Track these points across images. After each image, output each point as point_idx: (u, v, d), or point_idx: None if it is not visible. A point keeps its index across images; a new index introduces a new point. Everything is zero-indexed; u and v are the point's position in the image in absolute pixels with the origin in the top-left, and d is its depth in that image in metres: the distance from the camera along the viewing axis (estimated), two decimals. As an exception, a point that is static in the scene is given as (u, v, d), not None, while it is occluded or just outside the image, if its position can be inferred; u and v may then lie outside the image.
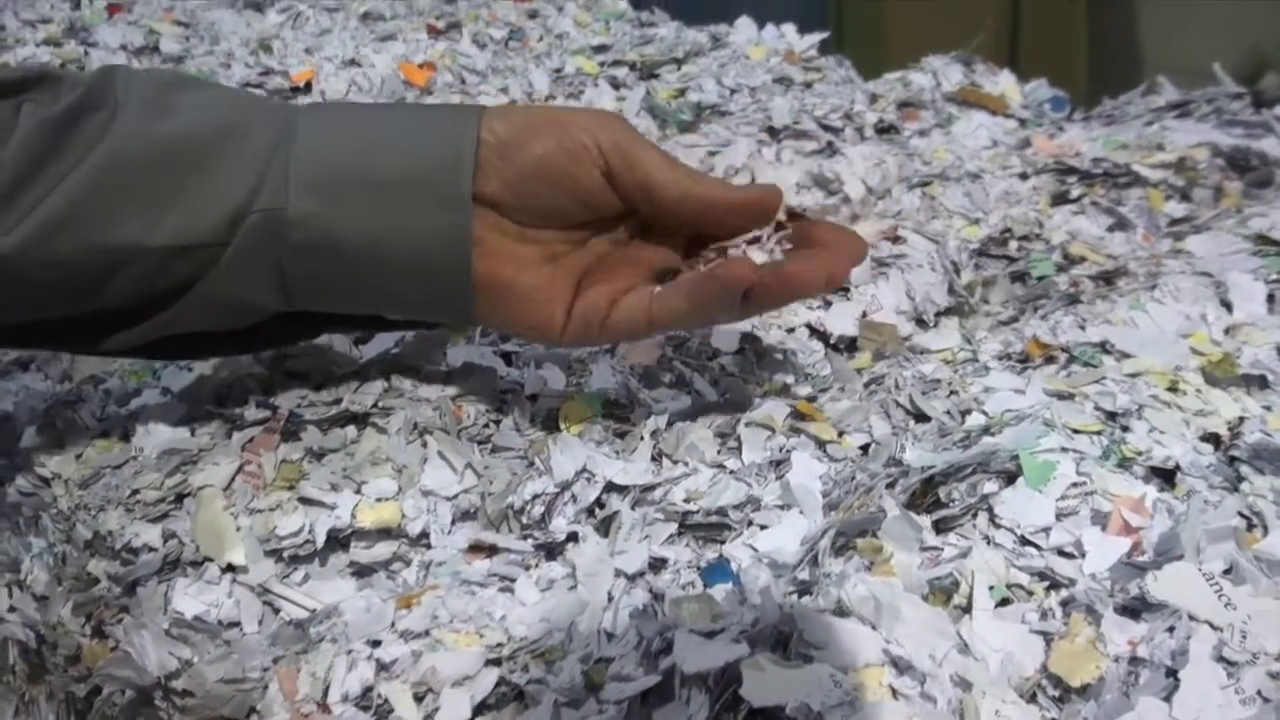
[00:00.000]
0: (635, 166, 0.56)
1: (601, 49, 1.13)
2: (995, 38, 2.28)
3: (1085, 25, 2.48)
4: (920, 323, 0.71)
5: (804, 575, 0.48)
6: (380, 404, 0.61)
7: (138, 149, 0.54)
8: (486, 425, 0.61)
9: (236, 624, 0.54)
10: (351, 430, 0.60)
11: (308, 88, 1.06)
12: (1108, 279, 0.71)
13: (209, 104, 0.56)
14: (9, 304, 0.56)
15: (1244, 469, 0.52)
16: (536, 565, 0.54)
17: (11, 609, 0.64)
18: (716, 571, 0.51)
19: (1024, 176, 0.85)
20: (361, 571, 0.56)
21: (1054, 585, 0.46)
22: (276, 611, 0.54)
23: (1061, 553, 0.47)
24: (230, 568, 0.55)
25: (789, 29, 1.15)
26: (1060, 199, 0.82)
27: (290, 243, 0.55)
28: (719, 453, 0.58)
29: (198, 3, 1.33)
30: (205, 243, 0.55)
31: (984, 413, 0.56)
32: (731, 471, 0.56)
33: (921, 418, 0.58)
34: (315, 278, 0.56)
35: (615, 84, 1.05)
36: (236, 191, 0.54)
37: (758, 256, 0.56)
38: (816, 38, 1.14)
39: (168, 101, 0.55)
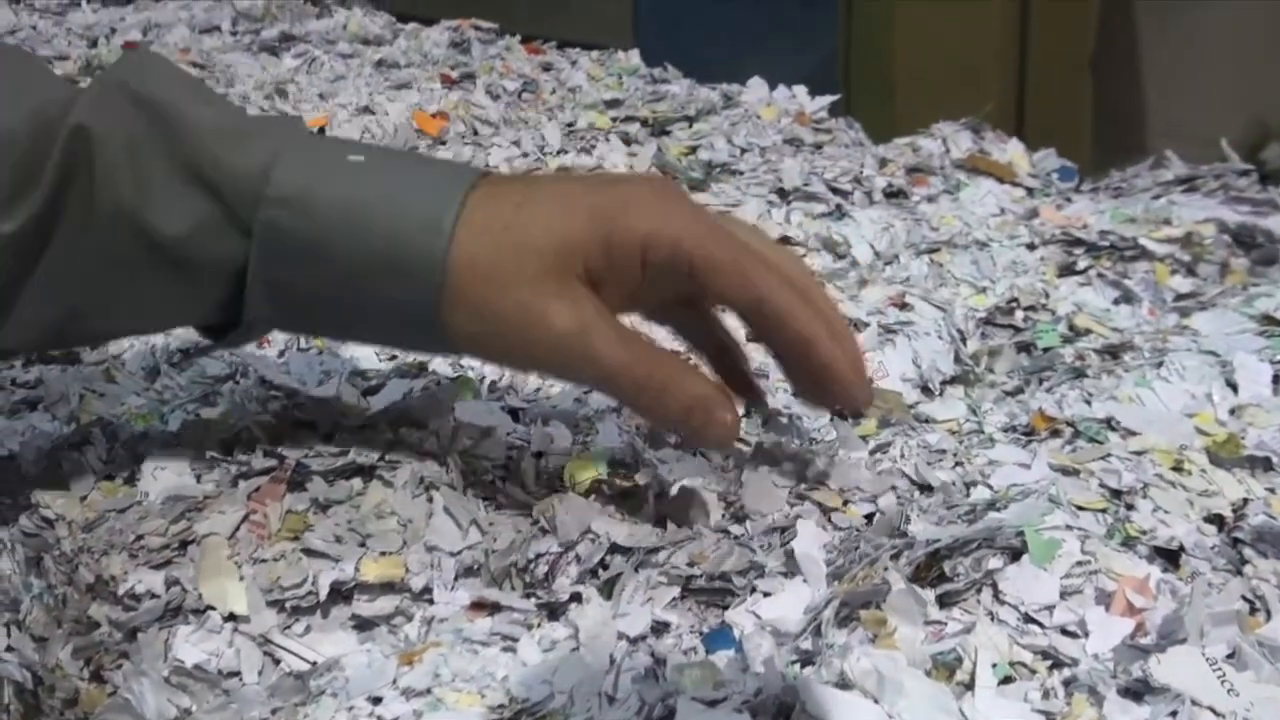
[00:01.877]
0: (706, 271, 0.53)
1: (614, 104, 1.14)
2: (1001, 102, 2.30)
3: (1091, 92, 2.49)
4: (926, 390, 0.71)
5: (807, 645, 0.48)
6: (387, 457, 0.61)
7: (124, 256, 0.55)
8: (492, 481, 0.61)
9: (236, 674, 0.54)
10: (357, 482, 0.60)
11: (321, 133, 1.07)
12: (1113, 353, 0.71)
13: (185, 191, 0.55)
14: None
15: (1247, 551, 0.52)
16: (539, 625, 0.54)
17: (9, 649, 0.64)
18: (719, 638, 0.51)
19: (1031, 247, 0.85)
20: (363, 625, 0.56)
21: (1057, 664, 0.46)
22: (277, 662, 0.54)
23: (1065, 631, 0.47)
24: (232, 617, 0.55)
25: (800, 90, 1.16)
26: (1067, 270, 0.83)
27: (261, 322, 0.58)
28: (723, 517, 0.58)
29: (214, 45, 1.34)
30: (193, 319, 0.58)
31: (989, 486, 0.56)
32: (735, 537, 0.57)
33: (926, 488, 0.59)
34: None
35: (627, 140, 1.05)
36: (220, 286, 0.56)
37: None
38: (827, 100, 1.14)
39: (142, 174, 0.55)
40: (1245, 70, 2.36)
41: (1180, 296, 0.80)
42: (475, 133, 1.09)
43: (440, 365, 0.70)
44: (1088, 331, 0.75)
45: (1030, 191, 0.98)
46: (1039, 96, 2.39)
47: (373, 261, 0.54)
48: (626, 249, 0.53)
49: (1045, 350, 0.74)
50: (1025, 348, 0.75)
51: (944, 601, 0.49)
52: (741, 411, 0.58)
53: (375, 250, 0.54)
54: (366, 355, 0.71)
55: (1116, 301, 0.79)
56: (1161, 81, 2.54)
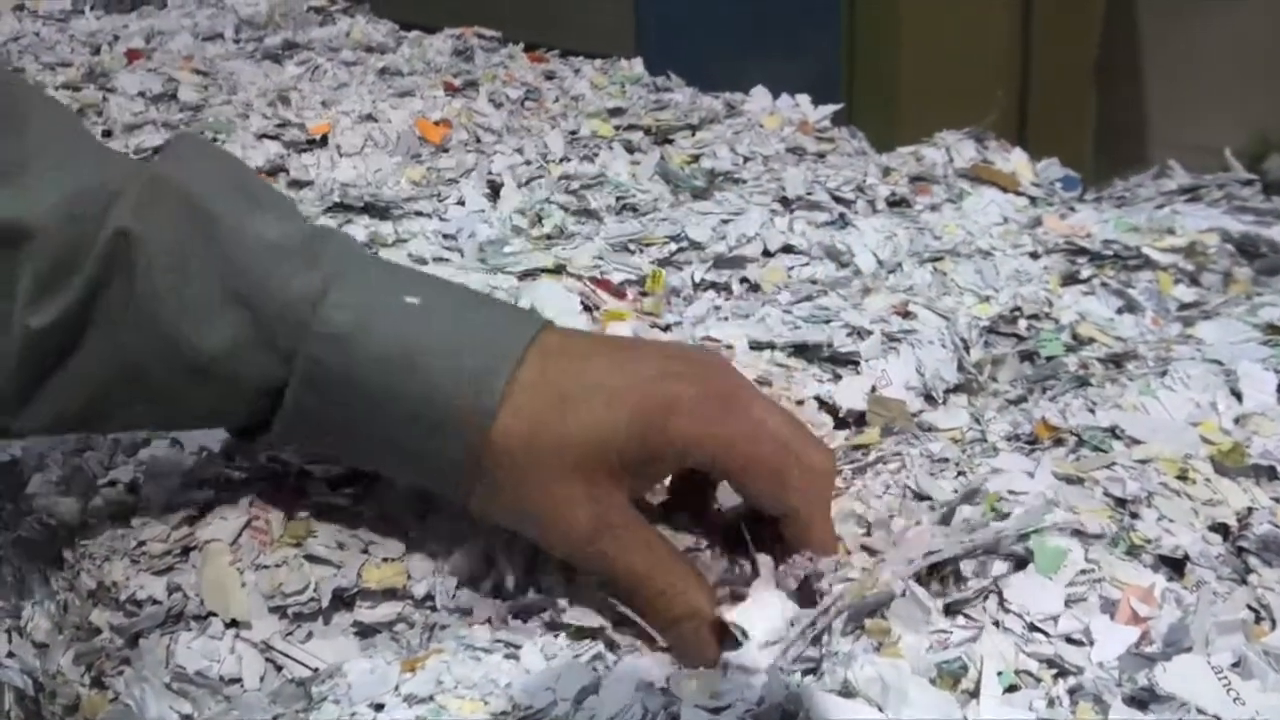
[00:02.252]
0: (755, 483, 0.53)
1: (617, 112, 1.13)
2: (1004, 112, 2.30)
3: (1094, 102, 2.50)
4: (929, 399, 0.71)
5: (810, 653, 0.48)
6: (389, 463, 0.61)
7: (153, 364, 0.54)
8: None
9: (238, 680, 0.54)
10: (359, 489, 0.60)
11: (324, 140, 1.07)
12: (1117, 362, 0.71)
13: (224, 311, 0.54)
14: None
15: (1252, 560, 0.52)
16: (542, 632, 0.54)
17: (10, 655, 0.64)
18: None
19: (1035, 256, 0.85)
20: (365, 632, 0.56)
21: (1062, 673, 0.46)
22: (279, 669, 0.54)
23: (1070, 640, 0.47)
24: (234, 623, 0.55)
25: (804, 99, 1.16)
26: (1070, 279, 0.83)
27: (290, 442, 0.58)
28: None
29: (216, 52, 1.34)
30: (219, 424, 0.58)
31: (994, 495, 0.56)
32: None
33: (924, 498, 0.59)
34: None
35: (630, 148, 1.05)
36: (248, 402, 0.55)
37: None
38: (830, 109, 1.14)
39: (184, 287, 0.53)
40: (1247, 81, 2.36)
41: (1184, 306, 0.79)
42: (478, 140, 1.09)
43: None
44: (1091, 340, 0.75)
45: (1033, 201, 0.98)
46: (1042, 106, 2.39)
47: (413, 416, 0.53)
48: (665, 456, 0.53)
49: (1049, 359, 0.74)
50: (1028, 356, 0.75)
51: (949, 610, 0.49)
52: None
53: (417, 406, 0.53)
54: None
55: (1120, 311, 0.79)
56: (1164, 92, 2.54)
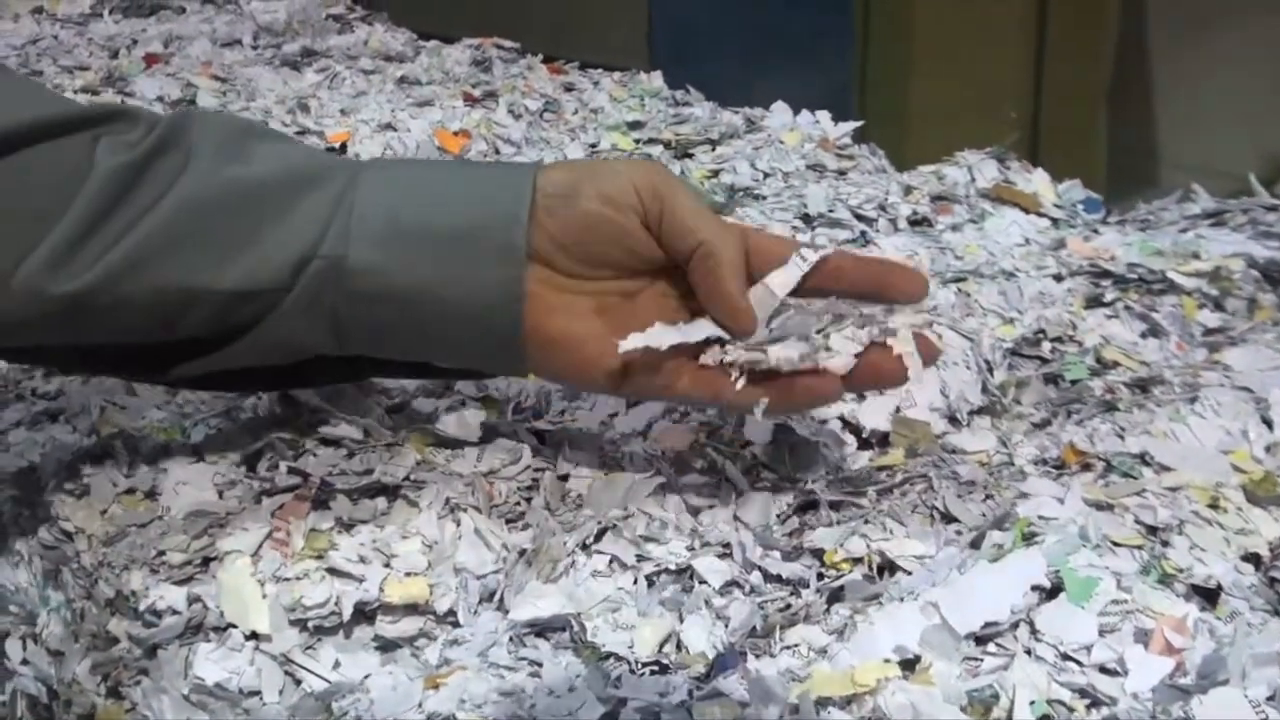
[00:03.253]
0: (670, 213, 0.57)
1: (636, 125, 1.13)
2: (1016, 130, 2.29)
3: (1107, 124, 2.49)
4: (954, 421, 0.70)
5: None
6: (412, 477, 0.61)
7: (211, 195, 0.56)
8: (518, 503, 0.61)
9: (257, 693, 0.54)
10: (382, 502, 0.60)
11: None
12: (1143, 386, 0.71)
13: (280, 154, 0.57)
14: (75, 336, 0.57)
15: (1285, 591, 0.52)
16: (564, 650, 0.53)
17: (25, 662, 0.64)
18: (725, 661, 0.51)
19: (1058, 278, 0.85)
20: (386, 646, 0.55)
21: (1095, 703, 0.46)
22: (298, 683, 0.54)
23: (1104, 670, 0.47)
24: (254, 635, 0.55)
25: (824, 116, 1.15)
26: (1094, 302, 0.82)
27: (349, 290, 0.56)
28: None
29: (235, 58, 1.34)
30: (270, 288, 0.56)
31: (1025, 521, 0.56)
32: (763, 569, 0.56)
33: (953, 520, 0.58)
34: (371, 324, 0.57)
35: (650, 162, 1.05)
36: (303, 238, 0.56)
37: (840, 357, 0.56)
38: (850, 126, 1.14)
39: (242, 148, 0.57)
40: (1259, 104, 2.36)
41: (1209, 331, 0.79)
42: (497, 151, 1.09)
43: (465, 385, 0.70)
44: (1115, 364, 0.74)
45: (1055, 222, 0.97)
46: (1055, 127, 2.39)
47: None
48: (666, 200, 0.57)
49: (1073, 382, 0.73)
50: (1052, 379, 0.74)
51: (980, 638, 0.49)
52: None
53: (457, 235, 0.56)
54: (391, 373, 0.70)
55: (1144, 335, 0.79)
56: (1175, 113, 2.53)
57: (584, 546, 0.58)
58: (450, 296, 0.56)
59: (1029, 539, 0.54)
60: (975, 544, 0.55)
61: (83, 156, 0.55)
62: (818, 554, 0.57)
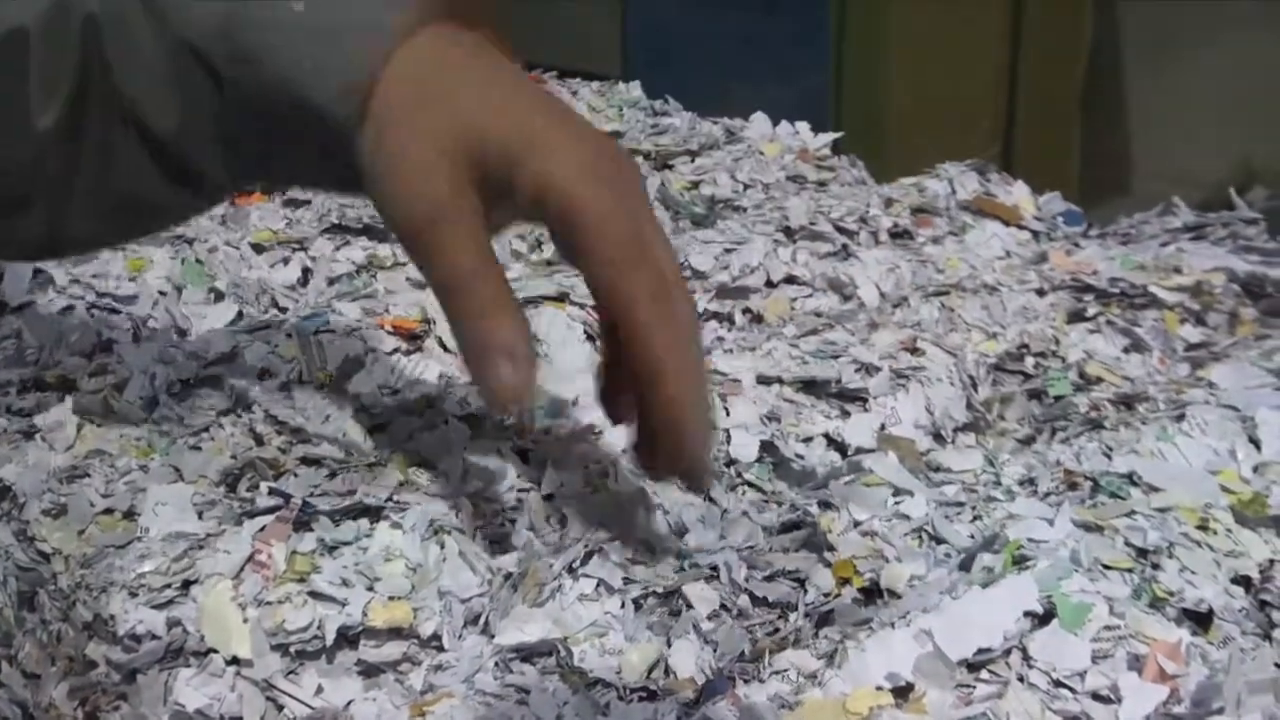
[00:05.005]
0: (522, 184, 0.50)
1: (615, 135, 1.12)
2: (990, 140, 2.30)
3: (1080, 133, 2.50)
4: (938, 438, 0.70)
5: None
6: (395, 498, 0.60)
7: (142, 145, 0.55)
8: (501, 524, 0.60)
9: (239, 719, 0.53)
10: (365, 523, 0.59)
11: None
12: (1127, 403, 0.71)
13: (175, 71, 0.54)
14: None
15: (1276, 615, 0.52)
16: (553, 675, 0.52)
17: (0, 684, 0.63)
18: (713, 688, 0.50)
19: (1041, 292, 0.84)
20: (369, 671, 0.55)
21: (1090, 731, 0.45)
22: (280, 709, 0.53)
23: (1097, 697, 0.46)
24: (235, 660, 0.54)
25: (803, 127, 1.15)
26: (1076, 317, 0.82)
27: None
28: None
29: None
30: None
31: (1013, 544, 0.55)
32: (751, 593, 0.56)
33: (942, 541, 0.58)
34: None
35: (629, 173, 1.04)
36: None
37: None
38: (830, 137, 1.14)
39: (151, 73, 0.54)
40: (1231, 113, 2.37)
41: (1191, 346, 0.79)
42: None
43: (448, 404, 0.69)
44: (1099, 380, 0.74)
45: (1035, 235, 0.97)
46: (1028, 137, 2.39)
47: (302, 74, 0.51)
48: (525, 185, 0.50)
49: (1057, 399, 0.73)
50: (1036, 395, 0.74)
51: (973, 665, 0.48)
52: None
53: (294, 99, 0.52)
54: (372, 392, 0.70)
55: (1126, 350, 0.79)
56: (1148, 123, 2.54)
57: (570, 569, 0.57)
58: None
59: (1019, 562, 0.53)
60: (965, 566, 0.54)
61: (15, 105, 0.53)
62: (805, 577, 0.57)
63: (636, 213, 0.51)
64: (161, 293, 0.83)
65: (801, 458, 0.66)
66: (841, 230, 0.93)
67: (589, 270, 0.51)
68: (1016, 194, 1.02)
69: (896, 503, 0.60)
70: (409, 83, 0.51)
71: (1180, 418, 0.65)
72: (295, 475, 0.62)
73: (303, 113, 0.51)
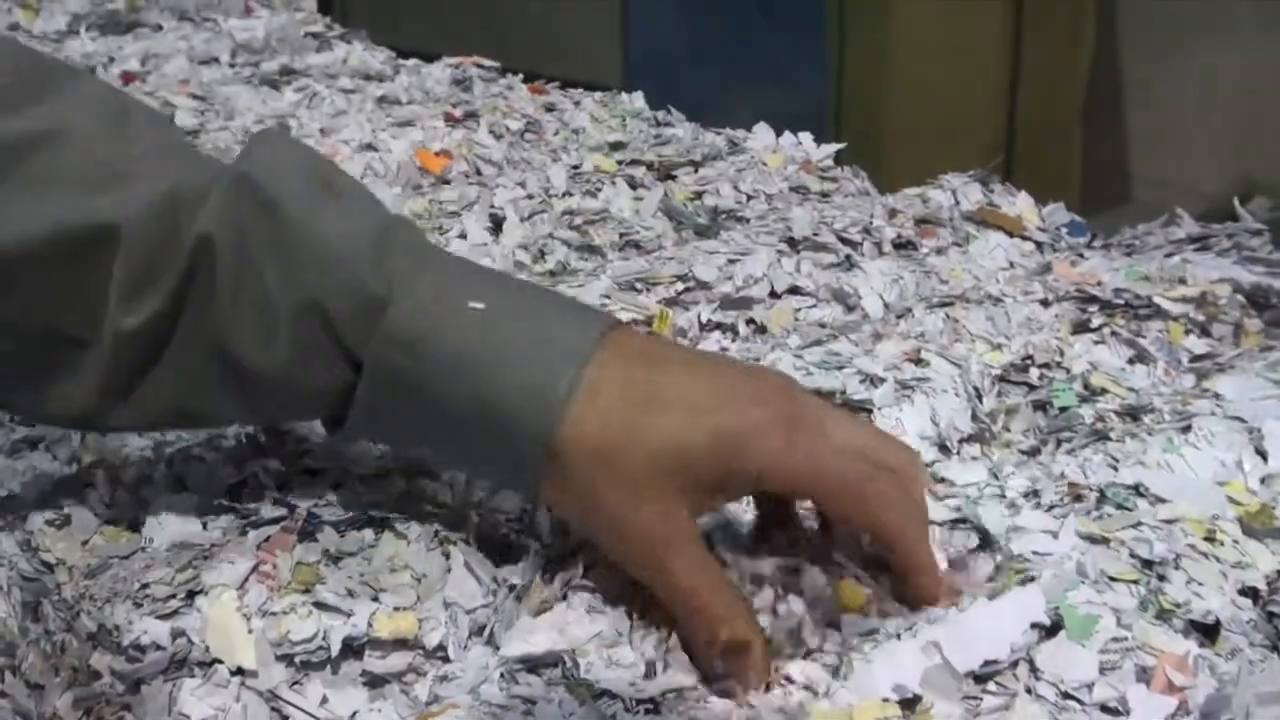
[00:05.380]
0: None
1: (618, 146, 1.13)
2: (992, 151, 2.30)
3: (1080, 143, 2.51)
4: (944, 449, 0.70)
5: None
6: (400, 508, 0.60)
7: (232, 370, 0.56)
8: (507, 535, 0.60)
9: (243, 729, 0.53)
10: (370, 534, 0.59)
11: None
12: (1133, 415, 0.70)
13: (293, 319, 0.55)
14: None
15: (1283, 627, 0.52)
16: (559, 686, 0.52)
17: (2, 694, 0.63)
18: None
19: (1045, 303, 0.84)
20: (374, 682, 0.55)
21: (1098, 743, 0.45)
22: (284, 719, 0.53)
23: (1105, 709, 0.46)
24: (240, 671, 0.54)
25: (806, 138, 1.15)
26: (1081, 328, 0.82)
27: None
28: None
29: (213, 77, 1.33)
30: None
31: (1018, 557, 0.55)
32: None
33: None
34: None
35: (632, 184, 1.04)
36: (321, 405, 0.58)
37: None
38: (833, 148, 1.14)
39: (259, 307, 0.55)
40: (1233, 124, 2.37)
41: (1196, 357, 0.79)
42: (479, 172, 1.08)
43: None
44: (1104, 391, 0.74)
45: (1039, 246, 0.97)
46: (1029, 147, 2.40)
47: (481, 420, 0.54)
48: (742, 479, 0.53)
49: (1062, 410, 0.73)
50: (1041, 406, 0.74)
51: (979, 677, 0.48)
52: None
53: (484, 410, 0.53)
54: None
55: (1131, 361, 0.78)
56: (1150, 134, 2.55)
57: (576, 580, 0.57)
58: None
59: (1023, 573, 0.53)
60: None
61: (92, 300, 0.55)
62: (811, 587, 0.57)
63: (845, 458, 0.54)
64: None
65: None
66: (845, 241, 0.93)
67: (832, 515, 0.57)
68: (1020, 205, 1.02)
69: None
70: (614, 393, 0.53)
71: (1186, 429, 0.65)
72: (299, 486, 0.62)
73: (486, 416, 0.54)
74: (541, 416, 0.52)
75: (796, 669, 0.51)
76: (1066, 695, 0.47)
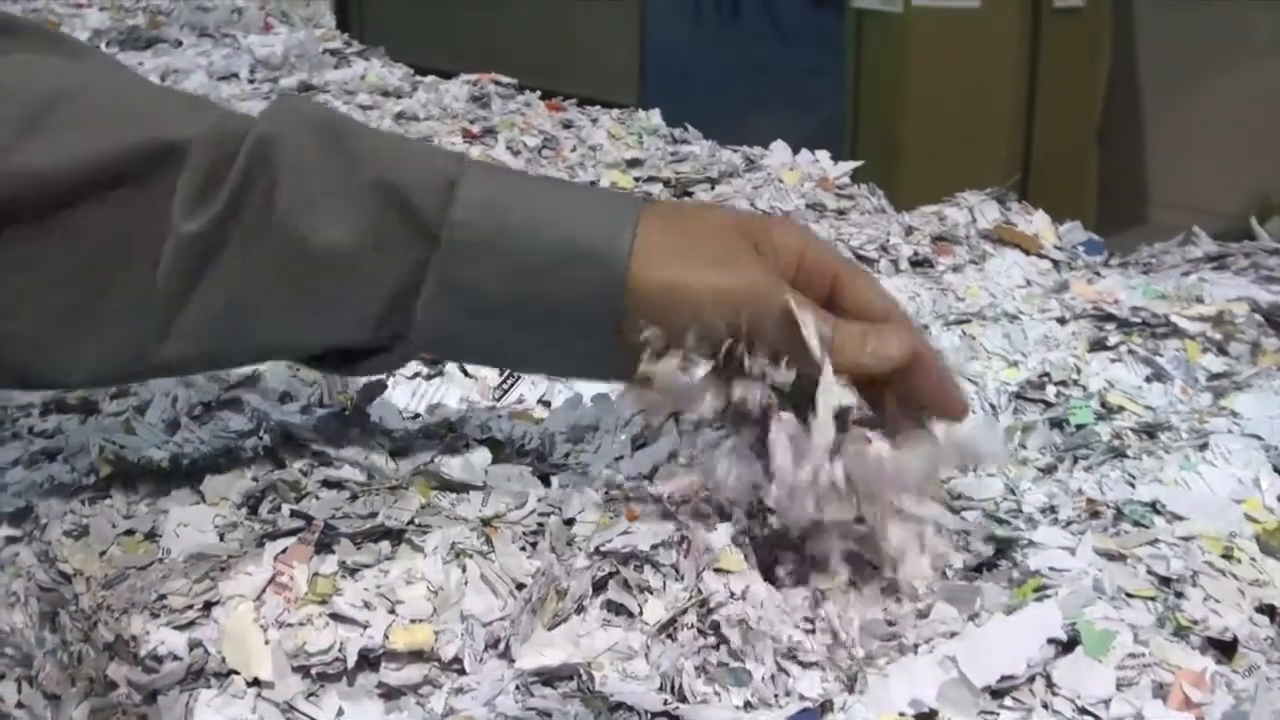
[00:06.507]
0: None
1: (635, 163, 1.13)
2: (1009, 170, 2.30)
3: (1097, 163, 2.51)
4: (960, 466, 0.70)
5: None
6: (417, 520, 0.60)
7: (292, 261, 0.57)
8: (523, 548, 0.60)
9: (259, 741, 0.53)
10: (386, 546, 0.59)
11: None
12: (1150, 432, 0.70)
13: (362, 199, 0.57)
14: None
15: (1300, 645, 0.51)
16: (572, 699, 0.52)
17: (20, 705, 0.63)
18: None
19: (1062, 321, 0.84)
20: (390, 694, 0.55)
21: (1116, 760, 0.45)
22: (300, 731, 0.53)
23: (1122, 726, 0.46)
24: (256, 682, 0.54)
25: (823, 155, 1.15)
26: (1098, 346, 0.82)
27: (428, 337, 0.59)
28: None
29: (233, 92, 1.34)
30: (349, 344, 0.60)
31: (1035, 573, 0.55)
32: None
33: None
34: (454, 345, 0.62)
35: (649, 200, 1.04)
36: (383, 298, 0.58)
37: None
38: (850, 165, 1.14)
39: (316, 183, 0.57)
40: (1249, 144, 2.37)
41: (1213, 376, 0.79)
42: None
43: (470, 428, 0.69)
44: (1120, 409, 0.74)
45: (1056, 264, 0.97)
46: (1046, 168, 2.40)
47: (562, 255, 0.57)
48: (785, 254, 0.57)
49: (1079, 427, 0.73)
50: (1058, 424, 0.74)
51: (996, 692, 0.48)
52: None
53: (565, 248, 0.57)
54: (393, 414, 0.70)
55: (1148, 379, 0.78)
56: (1166, 153, 2.55)
57: (592, 593, 0.57)
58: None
59: (1039, 589, 0.53)
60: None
61: (155, 215, 0.56)
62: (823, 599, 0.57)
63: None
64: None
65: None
66: (862, 258, 0.94)
67: (858, 296, 0.59)
68: (1037, 223, 1.02)
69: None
70: (662, 223, 0.58)
71: (1203, 447, 0.64)
72: (317, 498, 0.62)
73: (568, 258, 0.57)
74: (617, 242, 0.56)
75: (807, 681, 0.51)
76: (1083, 711, 0.47)
